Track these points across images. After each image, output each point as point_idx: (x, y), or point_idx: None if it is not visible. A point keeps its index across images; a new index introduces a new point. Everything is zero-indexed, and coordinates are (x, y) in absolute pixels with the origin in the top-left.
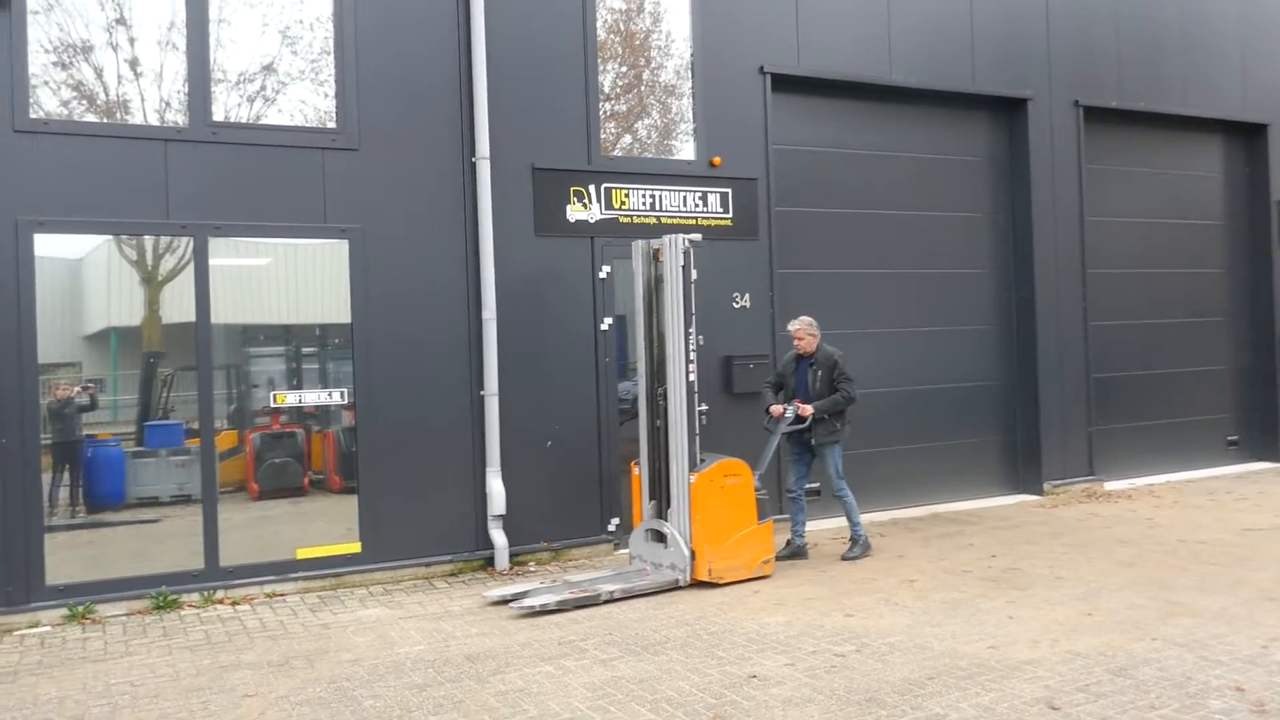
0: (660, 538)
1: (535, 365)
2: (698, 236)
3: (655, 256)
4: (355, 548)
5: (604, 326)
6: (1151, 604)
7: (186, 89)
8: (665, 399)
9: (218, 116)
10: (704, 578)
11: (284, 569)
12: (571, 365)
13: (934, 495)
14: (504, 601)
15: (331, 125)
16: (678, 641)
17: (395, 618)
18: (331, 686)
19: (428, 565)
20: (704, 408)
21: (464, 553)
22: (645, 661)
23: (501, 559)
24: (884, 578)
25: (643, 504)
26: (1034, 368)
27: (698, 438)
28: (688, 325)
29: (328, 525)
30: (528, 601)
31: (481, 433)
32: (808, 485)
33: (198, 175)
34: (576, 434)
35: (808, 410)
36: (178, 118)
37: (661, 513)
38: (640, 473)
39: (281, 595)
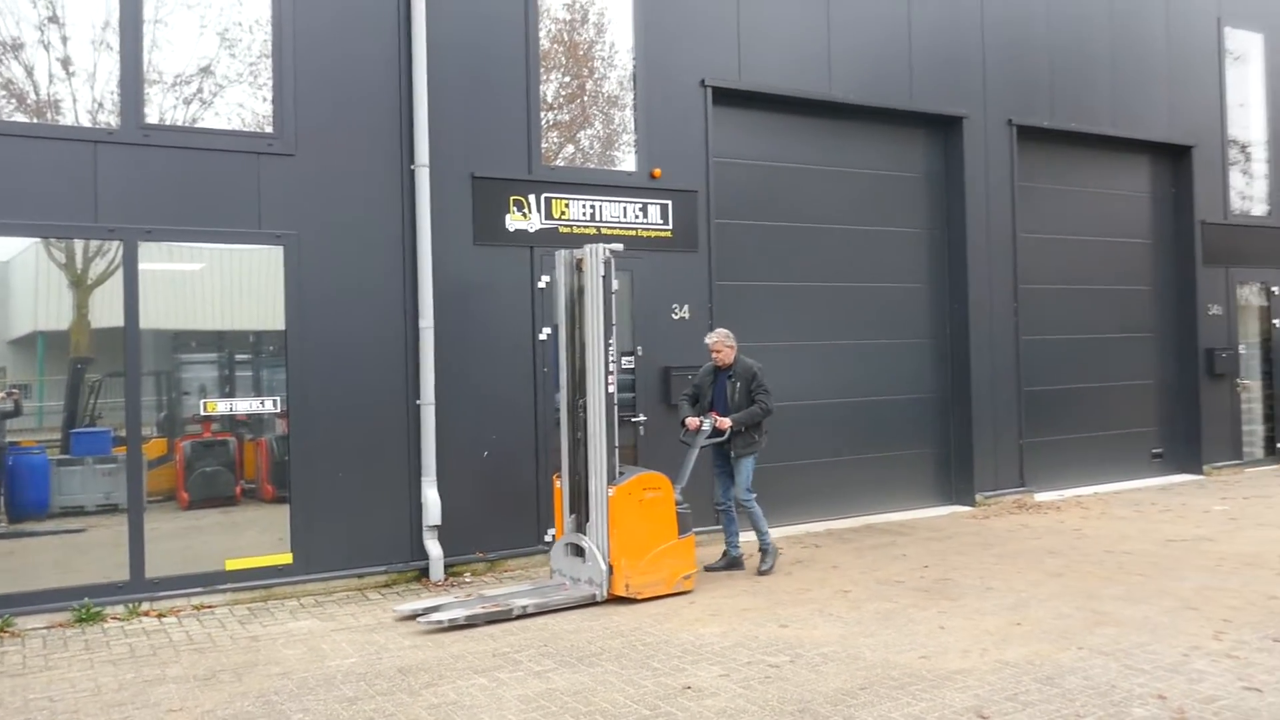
0: (579, 552)
1: (472, 375)
2: (619, 246)
3: (578, 267)
4: (287, 558)
5: (542, 336)
6: (1078, 613)
7: (118, 90)
8: (586, 410)
9: (152, 119)
10: (621, 593)
11: (213, 580)
12: (509, 375)
13: (869, 506)
14: (413, 616)
15: (268, 130)
16: (613, 652)
17: (327, 630)
18: (260, 700)
19: (361, 576)
20: (643, 418)
21: (398, 564)
22: (580, 673)
23: (436, 570)
24: (819, 588)
25: (564, 517)
26: (967, 381)
27: (617, 450)
28: (608, 336)
29: (259, 535)
30: (436, 616)
31: (417, 442)
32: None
33: (129, 178)
34: (513, 444)
35: (725, 423)
36: (110, 119)
37: (581, 526)
38: (562, 485)
39: (210, 607)
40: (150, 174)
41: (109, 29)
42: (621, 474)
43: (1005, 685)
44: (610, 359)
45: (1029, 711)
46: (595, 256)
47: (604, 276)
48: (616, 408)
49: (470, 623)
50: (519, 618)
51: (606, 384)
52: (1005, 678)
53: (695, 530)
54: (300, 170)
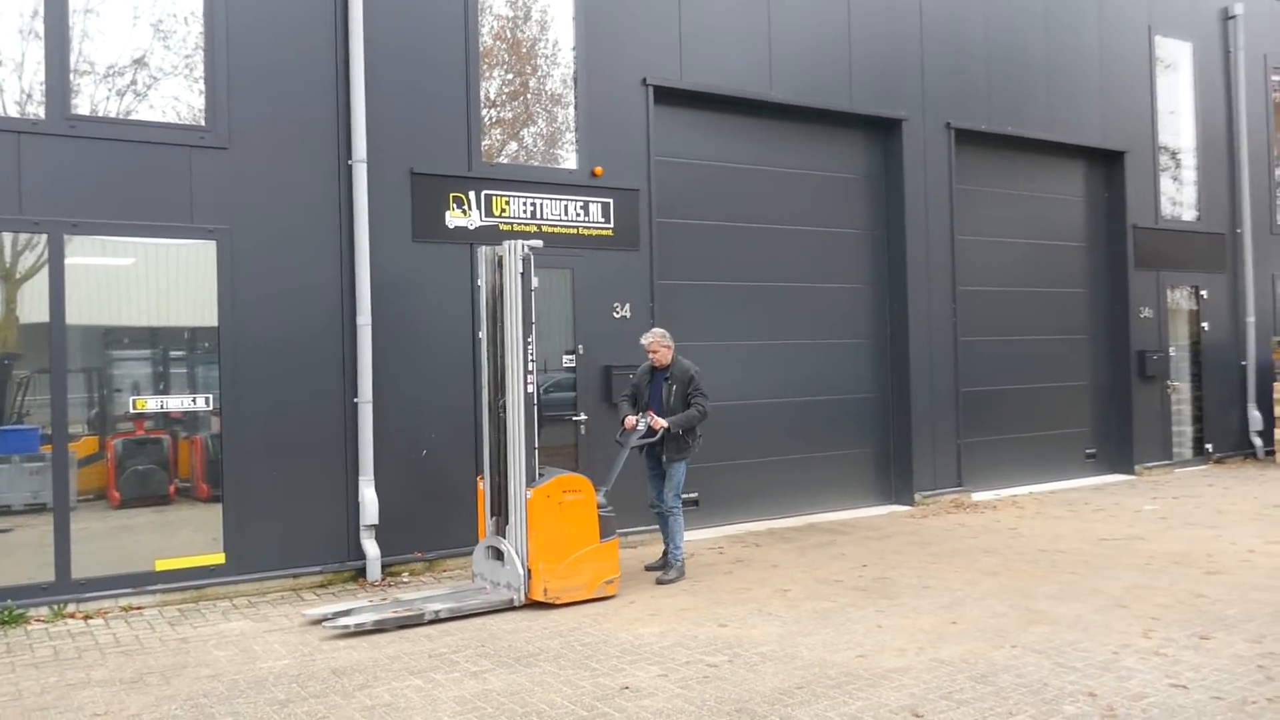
0: (500, 555)
1: (410, 373)
2: (538, 243)
3: (499, 264)
4: (219, 558)
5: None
6: (1013, 612)
7: (45, 79)
8: (506, 411)
9: (83, 110)
10: (539, 598)
11: (142, 581)
12: (448, 373)
13: (809, 505)
14: (320, 621)
15: (201, 123)
16: (551, 653)
17: (259, 631)
18: (188, 704)
19: (296, 576)
20: (583, 417)
21: (335, 563)
22: (517, 674)
23: (374, 570)
24: (758, 587)
25: (486, 519)
26: (906, 381)
27: (536, 451)
28: (527, 335)
29: (192, 535)
30: (344, 621)
31: (354, 441)
32: (685, 496)
33: (54, 170)
34: (452, 443)
35: (660, 423)
36: (36, 110)
37: (501, 529)
38: (484, 487)
39: (139, 608)
40: (77, 166)
41: (37, 17)
42: (542, 475)
43: (940, 684)
44: (530, 358)
45: (963, 710)
46: (513, 253)
47: (522, 274)
48: (536, 408)
49: (379, 628)
50: (431, 622)
51: (525, 384)
52: (940, 676)
53: (637, 530)
54: (234, 164)
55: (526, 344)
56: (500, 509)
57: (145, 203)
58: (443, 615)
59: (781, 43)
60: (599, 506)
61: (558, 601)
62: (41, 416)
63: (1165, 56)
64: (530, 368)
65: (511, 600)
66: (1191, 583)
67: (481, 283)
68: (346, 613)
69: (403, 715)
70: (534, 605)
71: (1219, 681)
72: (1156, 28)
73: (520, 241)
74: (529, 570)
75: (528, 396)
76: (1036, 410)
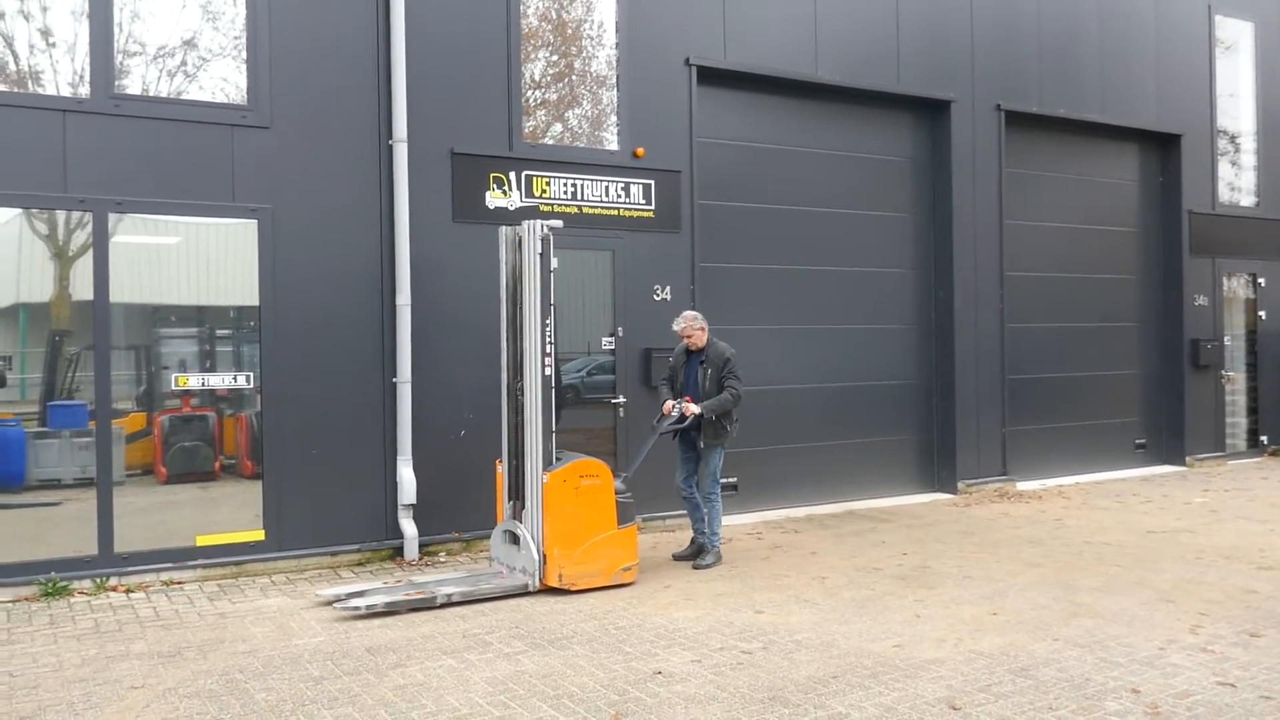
0: (516, 540)
1: (449, 353)
2: (558, 223)
3: (519, 244)
4: (259, 535)
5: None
6: (1056, 604)
7: (89, 59)
8: (523, 394)
9: (132, 90)
10: (554, 584)
11: (183, 556)
12: (487, 354)
13: (850, 492)
14: (333, 602)
15: (243, 102)
16: (585, 636)
17: (296, 608)
18: (223, 679)
19: (334, 554)
20: (622, 400)
21: (372, 542)
22: (550, 656)
23: (411, 549)
24: (795, 574)
25: (503, 503)
26: (951, 368)
27: (554, 435)
28: (545, 317)
29: (234, 511)
30: (355, 602)
31: (393, 420)
32: (724, 481)
33: (99, 148)
34: (490, 424)
35: (692, 409)
36: (82, 89)
37: (518, 513)
38: (503, 470)
39: (179, 583)
40: (121, 145)
41: None
42: (559, 459)
43: (978, 676)
44: (549, 340)
45: (1002, 703)
46: (532, 233)
47: (541, 254)
48: (554, 390)
49: (391, 610)
50: (443, 606)
51: (544, 366)
52: (979, 668)
53: (675, 514)
54: (275, 143)
55: (545, 326)
56: (518, 493)
57: (188, 181)
58: (455, 599)
59: (828, 22)
60: (618, 492)
61: (573, 588)
62: (90, 393)
63: (1225, 37)
64: (549, 350)
65: (526, 585)
66: (1242, 578)
67: (501, 263)
68: (360, 594)
69: (435, 695)
70: (549, 591)
71: (1269, 681)
72: (1217, 7)
73: (539, 221)
74: (544, 555)
75: (545, 379)
76: (1085, 399)
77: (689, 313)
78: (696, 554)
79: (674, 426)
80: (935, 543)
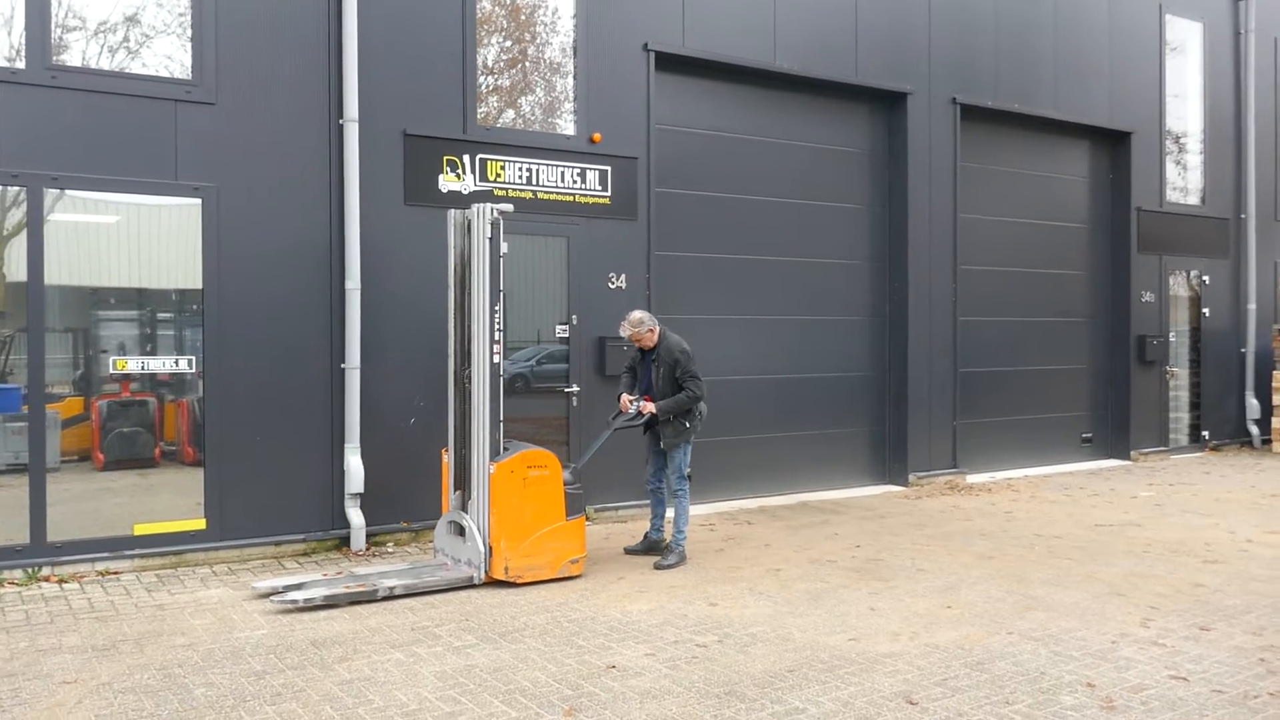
0: (462, 531)
1: (400, 339)
2: (508, 207)
3: (467, 228)
4: (200, 524)
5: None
6: (1009, 597)
7: (25, 30)
8: (471, 382)
9: (71, 61)
10: (500, 576)
11: (120, 545)
12: (438, 341)
13: (802, 484)
14: (270, 594)
15: (187, 77)
16: (537, 629)
17: (238, 599)
18: (161, 673)
19: (278, 544)
20: (575, 389)
21: (319, 532)
22: (501, 650)
23: (358, 539)
24: (749, 566)
25: (449, 494)
26: (904, 360)
27: (501, 425)
28: (494, 303)
29: (174, 499)
30: (293, 595)
31: (341, 407)
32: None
33: (34, 122)
34: (441, 411)
35: (648, 408)
36: (18, 62)
37: (464, 504)
38: (449, 460)
39: (115, 573)
40: (58, 118)
41: None
42: (507, 450)
43: (935, 670)
44: (497, 327)
45: (959, 698)
46: (482, 217)
47: (490, 239)
48: (502, 379)
49: (330, 603)
50: (385, 599)
51: (492, 354)
52: (935, 662)
53: (627, 505)
54: (221, 120)
55: (494, 312)
56: (464, 483)
57: (129, 158)
58: (398, 592)
59: (786, 10)
60: (566, 483)
61: (519, 580)
62: (25, 377)
63: (1174, 38)
64: (497, 337)
65: (471, 578)
66: (1189, 572)
67: (450, 247)
68: (298, 586)
69: (383, 689)
70: (496, 584)
71: (1220, 674)
72: (1168, 6)
73: (489, 205)
74: (490, 547)
75: (493, 367)
76: (1033, 393)
77: (635, 315)
78: (648, 549)
79: (629, 424)
80: (888, 535)
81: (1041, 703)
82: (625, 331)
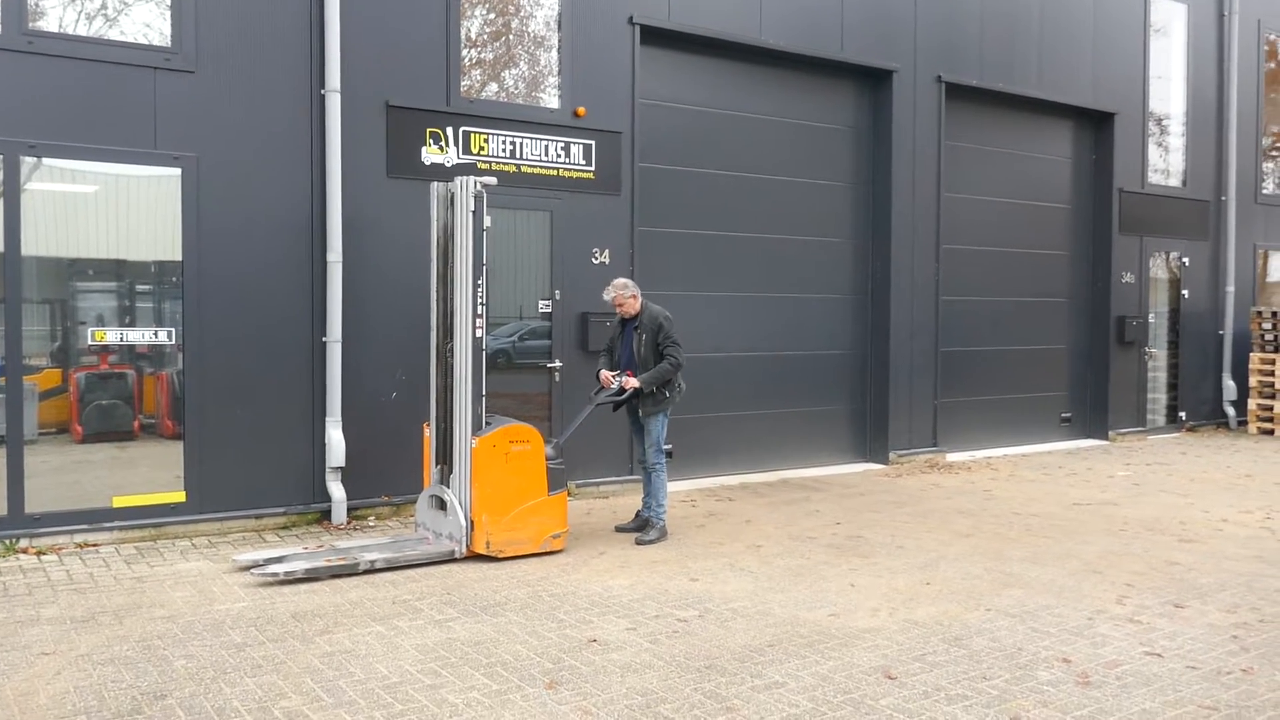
0: (443, 505)
1: (382, 312)
2: (492, 180)
3: (450, 201)
4: (179, 497)
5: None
6: (987, 575)
7: None
8: (453, 355)
9: (48, 27)
10: (482, 550)
11: (99, 517)
12: (420, 315)
13: (783, 461)
14: (250, 567)
15: (166, 44)
16: (518, 602)
17: (218, 572)
18: (140, 645)
19: (259, 517)
20: (558, 364)
21: (299, 505)
22: (483, 623)
23: (339, 513)
24: (730, 542)
25: (431, 468)
26: (886, 339)
27: (484, 399)
28: (476, 276)
29: (153, 472)
30: (273, 569)
31: (322, 380)
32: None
33: (10, 88)
34: (423, 385)
35: (631, 383)
36: None
37: (445, 478)
38: (430, 434)
39: (94, 545)
40: (35, 85)
41: None
42: (489, 424)
43: (913, 645)
44: (480, 301)
45: (936, 673)
46: (465, 190)
47: (474, 212)
48: (484, 353)
49: (311, 576)
50: (365, 573)
51: (474, 328)
52: (914, 638)
53: (609, 480)
54: (201, 89)
55: (476, 286)
56: (445, 457)
57: (107, 126)
58: (379, 565)
59: None
60: (548, 458)
61: (501, 555)
62: (1, 348)
63: (1159, 19)
64: (480, 311)
65: (453, 551)
66: (1165, 550)
67: (433, 220)
68: (279, 559)
69: (364, 663)
70: (477, 558)
71: (1194, 651)
72: None
73: (472, 178)
74: (472, 522)
75: (476, 341)
76: (1013, 372)
77: (617, 281)
78: (640, 527)
79: (612, 399)
80: (868, 512)
81: (1018, 678)
82: (609, 294)
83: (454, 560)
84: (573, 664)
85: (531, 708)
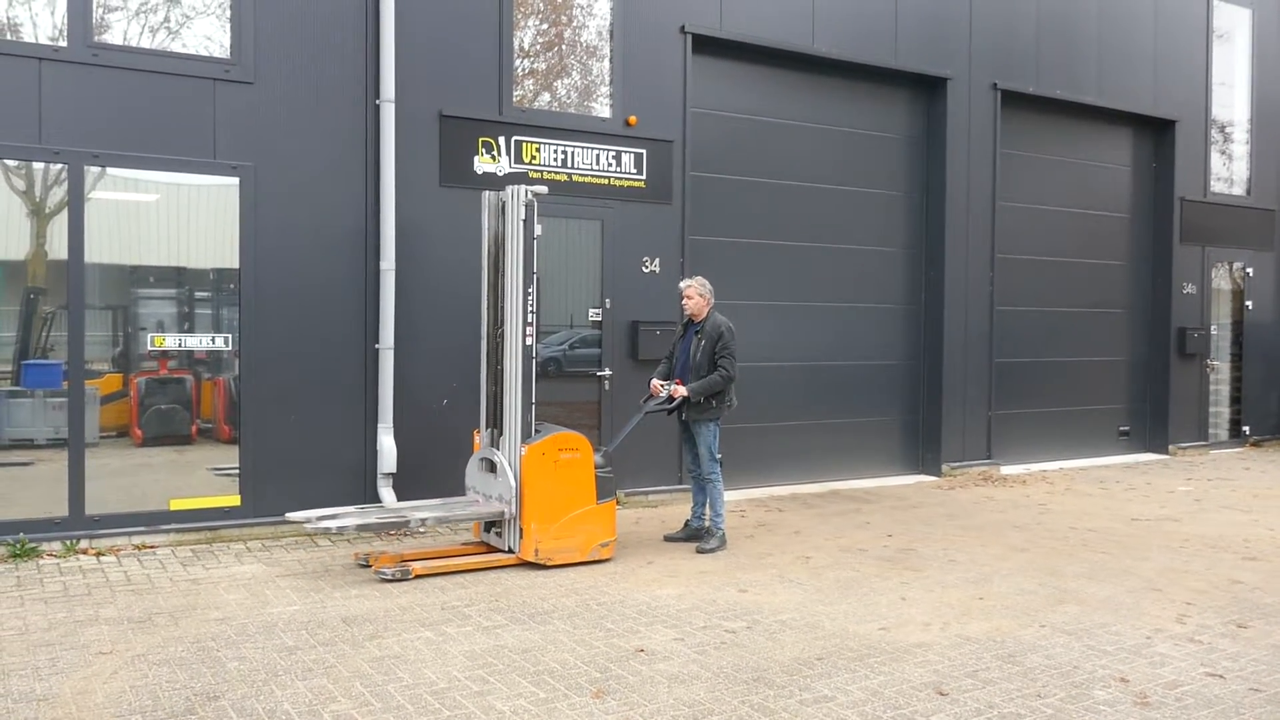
0: (493, 467)
1: (433, 320)
2: (542, 189)
3: (501, 210)
4: (234, 500)
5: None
6: (1041, 590)
7: (68, 10)
8: (503, 363)
9: (112, 40)
10: (530, 558)
11: (156, 520)
12: (472, 321)
13: (834, 472)
14: (304, 523)
15: (226, 55)
16: (566, 611)
17: (271, 575)
18: (195, 646)
19: None
20: (608, 373)
21: None
22: (531, 630)
23: None
24: (779, 553)
25: (480, 434)
26: (939, 349)
27: (534, 407)
28: (527, 285)
29: (210, 476)
30: (326, 524)
31: (374, 387)
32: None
33: (76, 99)
34: (474, 393)
35: (680, 391)
36: (60, 41)
37: (495, 440)
38: (480, 440)
39: (151, 547)
40: (99, 96)
41: None
42: (538, 432)
43: (966, 661)
44: (530, 309)
45: (990, 690)
46: (516, 199)
47: (525, 221)
48: (534, 361)
49: (363, 531)
50: (417, 529)
51: (524, 336)
52: (966, 653)
53: (658, 490)
54: (260, 100)
55: (527, 294)
56: (495, 421)
57: (168, 136)
58: (428, 523)
59: None
60: (597, 467)
61: (549, 563)
62: (65, 353)
63: (1222, 24)
64: (530, 319)
65: (503, 513)
66: (1227, 568)
67: (484, 229)
68: (331, 516)
69: (412, 668)
70: (526, 565)
71: (1257, 673)
72: None
73: (523, 187)
74: (521, 529)
75: (526, 349)
76: (1070, 384)
77: (698, 277)
78: (689, 537)
79: (660, 408)
80: (920, 525)
81: (1074, 697)
82: (684, 284)
83: (506, 566)
84: (620, 674)
85: (579, 717)
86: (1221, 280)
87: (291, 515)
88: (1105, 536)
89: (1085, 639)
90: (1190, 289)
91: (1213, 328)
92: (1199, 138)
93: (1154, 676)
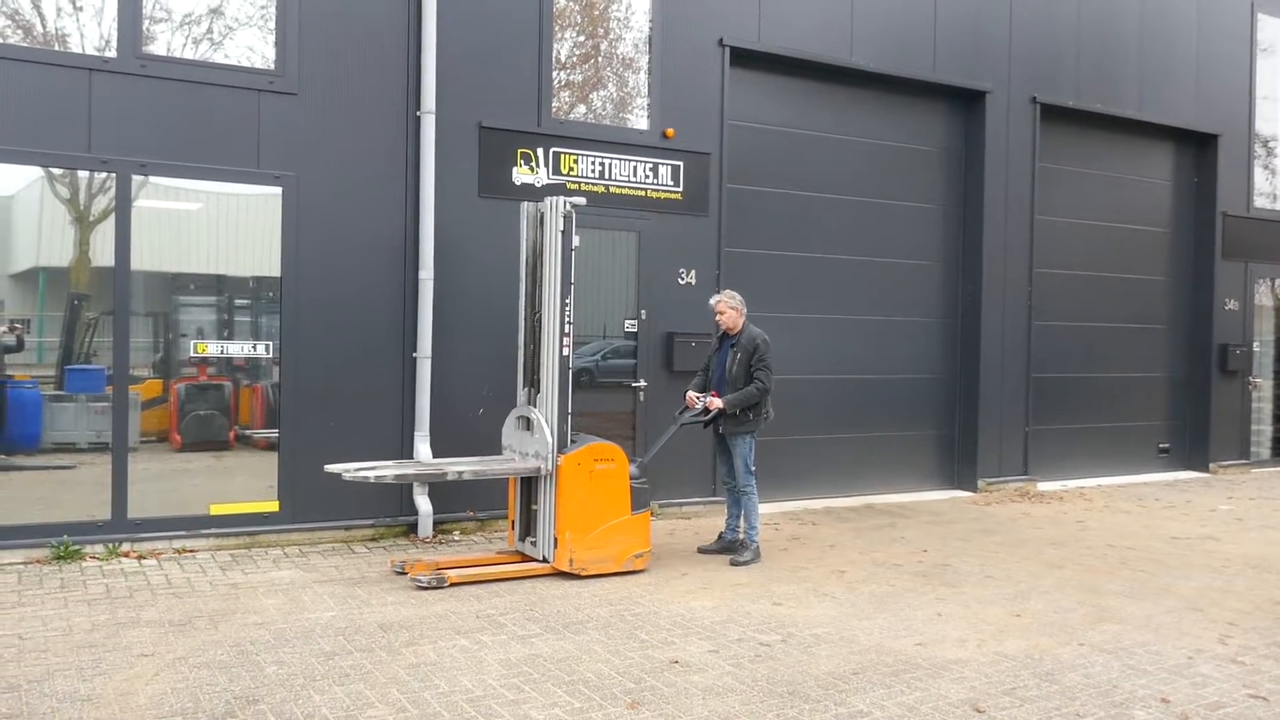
0: (529, 425)
1: (471, 330)
2: (581, 200)
3: (540, 220)
4: (273, 506)
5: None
6: (1080, 608)
7: (117, 21)
8: (539, 373)
9: (158, 51)
10: (565, 568)
11: (196, 524)
12: (509, 331)
13: (868, 486)
14: (342, 475)
15: (270, 67)
16: (600, 621)
17: (309, 581)
18: (234, 650)
19: (348, 529)
20: (643, 384)
21: (387, 518)
22: (565, 640)
23: (425, 526)
24: (814, 567)
25: (519, 390)
26: (976, 364)
27: (570, 418)
28: (564, 296)
29: (248, 481)
30: (364, 474)
31: (412, 396)
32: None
33: (124, 109)
34: (510, 402)
35: (715, 403)
36: (109, 51)
37: (533, 399)
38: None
39: (191, 552)
40: (146, 106)
41: None
42: (574, 442)
43: (1003, 679)
44: (567, 320)
45: (1027, 708)
46: (555, 210)
47: (563, 232)
48: (570, 371)
49: (400, 481)
50: (453, 481)
51: (561, 346)
52: (1003, 671)
53: (692, 501)
54: (302, 111)
55: (564, 305)
56: (533, 379)
57: (213, 146)
58: (466, 477)
59: (864, 6)
60: (632, 478)
61: (584, 573)
62: (108, 358)
63: (1266, 38)
64: (567, 330)
65: (539, 469)
66: (1270, 588)
67: (522, 239)
68: (370, 467)
69: (448, 675)
70: (560, 575)
71: None
72: (1260, 5)
73: (562, 198)
74: (556, 539)
75: (563, 360)
76: (1109, 400)
77: (728, 290)
78: (723, 549)
79: (696, 419)
80: (956, 540)
81: (1114, 716)
82: (714, 299)
83: (541, 576)
84: (654, 684)
85: None
86: (1264, 296)
87: (330, 467)
88: (1145, 555)
89: (1125, 658)
90: (1232, 305)
91: (1255, 344)
92: (1242, 152)
93: (1196, 697)
